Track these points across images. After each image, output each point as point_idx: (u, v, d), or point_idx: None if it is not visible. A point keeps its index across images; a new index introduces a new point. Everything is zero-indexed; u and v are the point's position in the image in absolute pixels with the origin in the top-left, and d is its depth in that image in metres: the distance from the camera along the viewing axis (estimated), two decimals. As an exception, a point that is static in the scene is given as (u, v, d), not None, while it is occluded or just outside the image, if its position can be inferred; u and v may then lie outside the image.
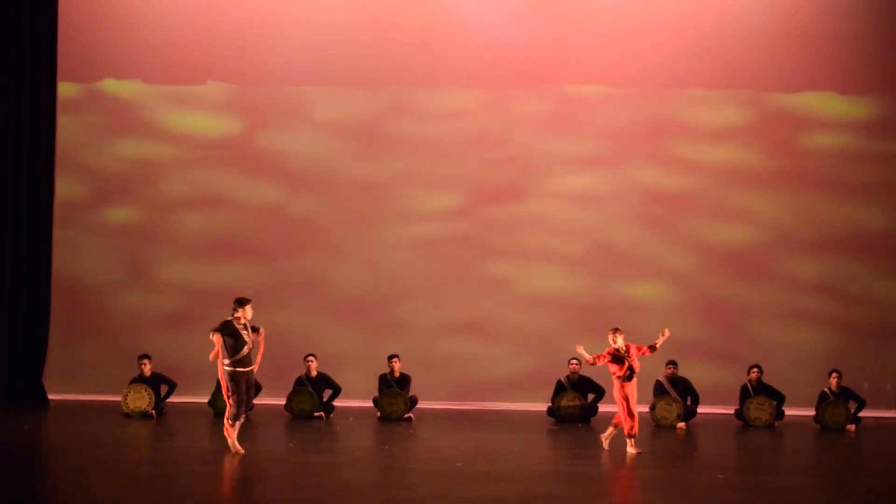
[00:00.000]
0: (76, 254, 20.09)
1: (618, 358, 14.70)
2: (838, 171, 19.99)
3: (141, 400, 17.81)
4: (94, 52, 20.26)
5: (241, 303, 14.24)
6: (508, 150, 20.23)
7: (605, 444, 14.96)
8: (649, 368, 18.61)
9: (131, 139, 20.33)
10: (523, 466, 13.74)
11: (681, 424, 17.67)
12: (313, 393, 18.17)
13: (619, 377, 14.68)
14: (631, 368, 14.66)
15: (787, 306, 19.84)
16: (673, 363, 18.26)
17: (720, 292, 19.94)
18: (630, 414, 14.53)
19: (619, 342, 14.68)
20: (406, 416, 18.02)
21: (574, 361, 18.33)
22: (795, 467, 14.80)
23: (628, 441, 14.61)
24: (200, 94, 20.38)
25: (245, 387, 14.21)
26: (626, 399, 14.59)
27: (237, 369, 14.14)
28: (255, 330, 14.27)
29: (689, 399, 18.15)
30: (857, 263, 19.86)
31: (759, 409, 17.96)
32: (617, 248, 20.03)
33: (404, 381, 18.42)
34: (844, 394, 18.05)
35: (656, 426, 17.63)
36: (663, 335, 14.65)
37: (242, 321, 14.19)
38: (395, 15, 20.28)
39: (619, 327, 14.85)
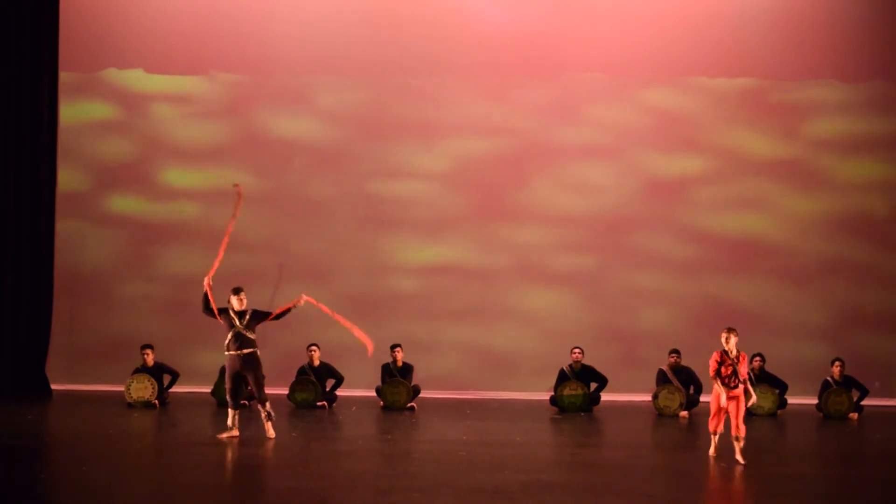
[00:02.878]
0: (78, 244, 20.10)
1: (724, 362, 13.30)
2: (840, 160, 19.99)
3: (144, 390, 17.83)
4: (95, 41, 20.26)
5: (234, 291, 14.61)
6: (511, 138, 20.22)
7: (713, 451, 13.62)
8: (652, 358, 18.68)
9: (133, 129, 20.33)
10: (526, 455, 13.74)
11: (683, 413, 17.68)
12: (316, 382, 18.18)
13: (720, 382, 13.29)
14: (735, 374, 13.25)
15: (789, 295, 19.84)
16: (676, 352, 18.27)
17: (722, 281, 19.94)
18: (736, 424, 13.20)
19: (731, 344, 13.32)
20: (409, 405, 18.04)
21: (577, 350, 18.34)
22: (798, 456, 14.80)
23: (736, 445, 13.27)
24: (202, 83, 20.36)
25: (230, 372, 14.53)
26: (727, 412, 13.28)
27: (225, 353, 14.58)
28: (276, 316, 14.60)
29: (691, 388, 18.15)
30: (861, 251, 19.87)
31: (762, 398, 17.96)
32: (620, 236, 20.04)
33: (407, 370, 18.44)
34: (847, 382, 18.05)
35: (659, 415, 17.64)
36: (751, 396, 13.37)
37: (236, 308, 14.53)
38: (397, 4, 20.26)
39: (734, 328, 13.48)
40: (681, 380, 18.14)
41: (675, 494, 11.91)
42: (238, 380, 14.59)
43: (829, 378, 18.10)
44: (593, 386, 18.37)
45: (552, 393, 18.35)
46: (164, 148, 20.32)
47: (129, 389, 17.83)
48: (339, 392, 18.50)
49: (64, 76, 19.99)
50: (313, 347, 18.41)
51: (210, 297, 14.59)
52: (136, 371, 18.06)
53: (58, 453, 14.17)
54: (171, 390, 18.34)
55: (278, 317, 14.79)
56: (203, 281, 14.64)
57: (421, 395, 18.34)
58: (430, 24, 20.20)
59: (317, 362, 18.38)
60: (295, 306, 14.73)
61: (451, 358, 19.89)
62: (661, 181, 20.07)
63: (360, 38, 20.20)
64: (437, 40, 20.20)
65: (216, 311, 14.62)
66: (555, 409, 18.13)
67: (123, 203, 20.24)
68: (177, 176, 20.29)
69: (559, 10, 20.24)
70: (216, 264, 14.62)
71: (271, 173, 20.26)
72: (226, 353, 14.58)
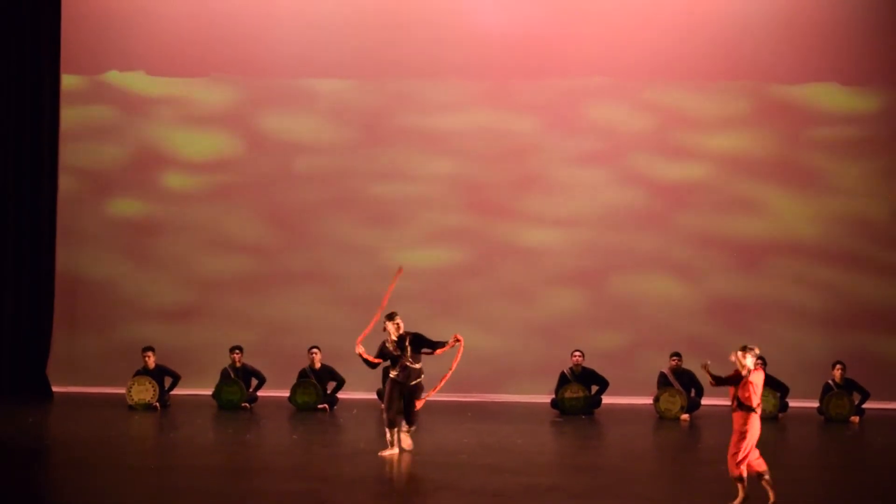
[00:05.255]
0: (80, 246, 20.08)
1: (736, 379, 11.56)
2: (841, 163, 19.97)
3: (145, 392, 17.82)
4: (97, 43, 20.24)
5: (388, 317, 13.97)
6: (511, 141, 20.21)
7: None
8: (654, 361, 18.67)
9: (135, 131, 20.32)
10: (527, 458, 13.74)
11: (684, 416, 17.67)
12: (317, 385, 18.18)
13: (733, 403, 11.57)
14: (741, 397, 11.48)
15: (790, 298, 19.82)
16: (677, 355, 18.26)
17: (723, 284, 19.91)
18: (735, 454, 11.32)
19: (747, 361, 11.51)
20: (410, 408, 18.02)
21: (577, 353, 18.33)
22: (799, 459, 14.80)
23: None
24: (204, 86, 20.37)
25: (392, 392, 13.93)
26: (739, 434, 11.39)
27: (390, 374, 14.11)
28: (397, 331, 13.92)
29: (692, 391, 18.14)
30: (862, 254, 19.84)
31: (763, 401, 17.80)
32: (620, 240, 20.01)
33: (408, 373, 18.41)
34: (848, 385, 18.04)
35: (660, 418, 17.63)
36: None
37: (393, 335, 13.89)
38: (397, 6, 20.24)
39: (751, 346, 11.66)
40: (682, 383, 18.12)
41: (676, 498, 11.91)
42: (399, 400, 13.92)
43: (830, 381, 18.08)
44: (594, 389, 18.36)
45: (553, 396, 18.34)
46: (165, 150, 20.31)
47: (130, 392, 17.82)
48: (340, 395, 18.49)
49: (66, 78, 19.98)
50: (314, 350, 18.41)
51: (368, 357, 13.98)
52: (138, 373, 18.06)
53: (58, 456, 14.17)
54: (172, 393, 18.33)
55: (438, 349, 13.98)
56: (356, 349, 13.97)
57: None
58: (432, 26, 20.18)
59: (318, 365, 18.38)
60: (452, 347, 13.87)
61: (451, 360, 19.80)
62: (663, 184, 20.04)
63: (362, 40, 20.18)
64: (438, 43, 20.18)
65: (380, 361, 14.06)
66: (556, 411, 18.11)
67: (125, 205, 20.23)
68: (178, 178, 20.27)
69: (560, 13, 20.23)
70: (367, 331, 14.05)
71: (272, 175, 20.24)
72: (390, 374, 14.04)
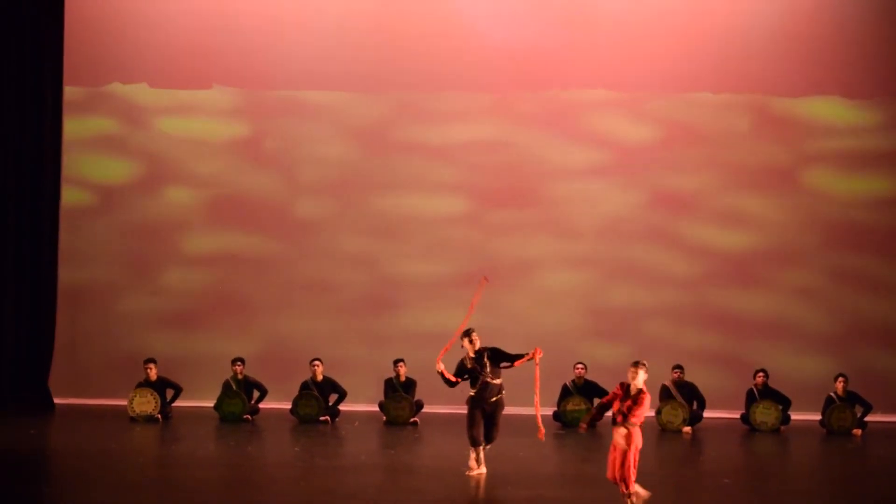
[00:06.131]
0: (82, 257, 20.09)
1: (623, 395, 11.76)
2: (844, 176, 19.97)
3: (147, 404, 17.82)
4: (100, 56, 20.28)
5: (464, 334, 13.66)
6: (513, 154, 20.22)
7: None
8: (656, 374, 18.61)
9: (137, 143, 20.34)
10: (529, 470, 13.73)
11: (686, 429, 17.65)
12: (319, 397, 18.17)
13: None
14: (623, 412, 11.63)
15: (792, 310, 19.81)
16: (679, 367, 18.25)
17: (726, 296, 19.91)
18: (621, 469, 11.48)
19: (638, 379, 11.74)
20: (412, 420, 18.02)
21: (580, 366, 18.32)
22: (801, 472, 14.79)
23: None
24: (206, 98, 20.39)
25: (476, 409, 13.51)
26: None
27: (470, 392, 13.64)
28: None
29: (695, 403, 18.12)
30: (865, 266, 19.84)
31: (765, 414, 17.94)
32: (623, 252, 20.01)
33: (410, 385, 18.42)
34: (851, 398, 18.02)
35: (662, 430, 17.61)
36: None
37: (471, 352, 13.57)
38: (400, 19, 20.28)
39: (642, 361, 11.99)
40: (684, 395, 18.11)
41: (679, 510, 11.89)
42: (481, 418, 13.52)
43: (832, 394, 18.07)
44: (596, 401, 18.33)
45: (555, 408, 18.32)
46: (167, 162, 20.32)
47: (131, 403, 17.82)
48: (342, 407, 18.47)
49: (68, 90, 20.01)
50: (316, 362, 18.40)
51: (448, 375, 13.61)
52: (139, 385, 18.05)
53: (60, 468, 14.17)
54: (174, 405, 18.32)
55: (517, 361, 13.64)
56: (436, 366, 13.65)
57: (424, 410, 18.31)
58: (435, 39, 20.19)
59: (320, 377, 18.37)
60: (530, 359, 13.50)
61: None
62: (665, 196, 20.04)
63: (365, 53, 20.20)
64: (441, 56, 20.20)
65: (460, 378, 13.61)
66: (558, 424, 18.10)
67: (127, 217, 20.23)
68: (180, 190, 20.29)
69: (563, 26, 20.25)
70: (446, 348, 13.69)
71: (274, 186, 20.25)
72: (471, 392, 13.61)
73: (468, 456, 13.33)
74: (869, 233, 19.90)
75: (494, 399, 13.55)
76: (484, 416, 13.53)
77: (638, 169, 20.09)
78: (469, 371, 13.54)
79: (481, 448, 13.43)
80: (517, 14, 20.29)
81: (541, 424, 13.36)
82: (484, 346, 13.59)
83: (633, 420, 11.45)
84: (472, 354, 13.56)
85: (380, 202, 20.22)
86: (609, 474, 11.54)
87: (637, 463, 11.37)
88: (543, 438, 13.44)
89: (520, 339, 19.83)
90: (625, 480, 11.38)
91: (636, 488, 11.50)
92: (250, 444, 15.74)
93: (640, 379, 11.60)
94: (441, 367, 13.55)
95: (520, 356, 13.55)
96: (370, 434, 17.09)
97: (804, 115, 20.09)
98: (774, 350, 19.48)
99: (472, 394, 13.57)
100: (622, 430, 11.45)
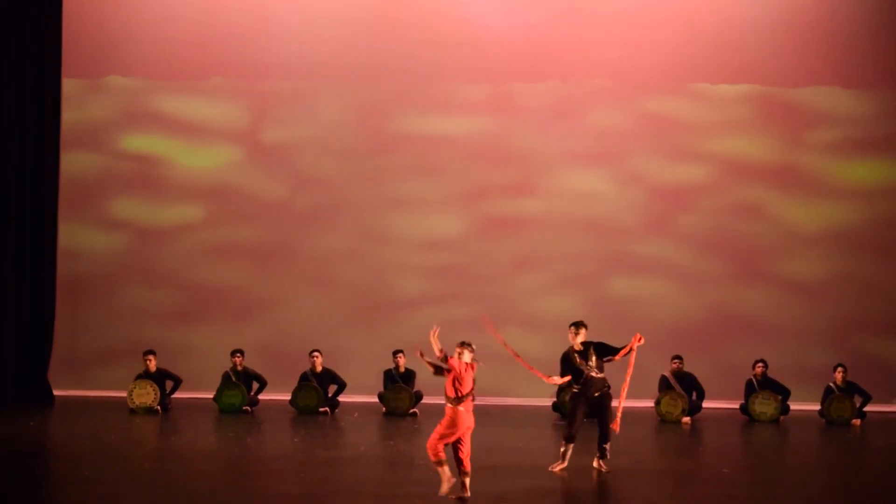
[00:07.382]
0: (81, 249, 20.09)
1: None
2: (843, 166, 19.98)
3: (146, 396, 17.82)
4: (98, 48, 20.25)
5: (574, 325, 13.46)
6: (512, 144, 20.20)
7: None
8: (655, 364, 18.64)
9: (136, 135, 20.31)
10: (529, 461, 13.73)
11: (686, 419, 17.67)
12: (318, 388, 18.18)
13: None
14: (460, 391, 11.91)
15: (791, 301, 19.82)
16: (678, 358, 18.26)
17: (725, 287, 19.91)
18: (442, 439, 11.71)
19: (466, 357, 12.07)
20: (411, 411, 18.03)
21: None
22: (800, 462, 14.79)
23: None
24: (205, 89, 20.37)
25: (577, 403, 13.24)
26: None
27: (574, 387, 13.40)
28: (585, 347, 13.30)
29: (694, 394, 18.14)
30: (864, 257, 19.85)
31: (764, 404, 17.95)
32: (621, 242, 20.01)
33: (409, 376, 18.43)
34: (850, 388, 18.03)
35: (661, 421, 17.63)
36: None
37: (577, 346, 13.30)
38: (398, 9, 20.25)
39: (468, 342, 12.25)
40: (683, 386, 18.12)
41: (678, 501, 11.91)
42: (582, 415, 13.25)
43: (831, 384, 18.08)
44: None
45: (555, 399, 18.33)
46: (166, 155, 20.30)
47: (131, 395, 17.83)
48: (342, 398, 18.48)
49: (67, 82, 19.98)
50: (315, 353, 18.40)
51: (558, 380, 13.35)
52: (139, 377, 18.06)
53: (60, 459, 14.18)
54: (173, 396, 18.33)
55: (620, 353, 13.29)
56: (549, 380, 13.38)
57: (423, 400, 18.32)
58: (433, 29, 20.17)
59: (319, 368, 18.37)
60: (632, 349, 13.15)
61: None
62: (664, 187, 20.04)
63: (363, 44, 20.18)
64: (439, 46, 20.18)
65: (570, 377, 13.26)
66: (557, 415, 18.11)
67: (126, 209, 20.23)
68: (179, 182, 20.27)
69: (562, 16, 20.24)
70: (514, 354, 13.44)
71: (273, 179, 20.24)
72: (573, 388, 13.37)
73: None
74: (867, 223, 19.89)
75: (598, 394, 13.25)
76: (590, 412, 13.28)
77: (636, 159, 20.06)
78: (574, 367, 13.23)
79: (571, 445, 13.14)
80: (515, 5, 20.27)
81: (619, 415, 13.16)
82: (590, 340, 13.29)
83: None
84: (578, 348, 13.31)
85: (379, 193, 20.20)
86: (443, 454, 11.68)
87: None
88: (618, 430, 13.22)
89: (518, 330, 19.91)
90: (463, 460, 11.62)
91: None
92: (250, 435, 15.74)
93: (466, 357, 11.96)
94: (555, 379, 13.29)
95: (622, 347, 13.22)
96: (370, 425, 17.10)
97: (802, 104, 20.07)
98: (773, 340, 19.48)
99: (574, 390, 13.33)
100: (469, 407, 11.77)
